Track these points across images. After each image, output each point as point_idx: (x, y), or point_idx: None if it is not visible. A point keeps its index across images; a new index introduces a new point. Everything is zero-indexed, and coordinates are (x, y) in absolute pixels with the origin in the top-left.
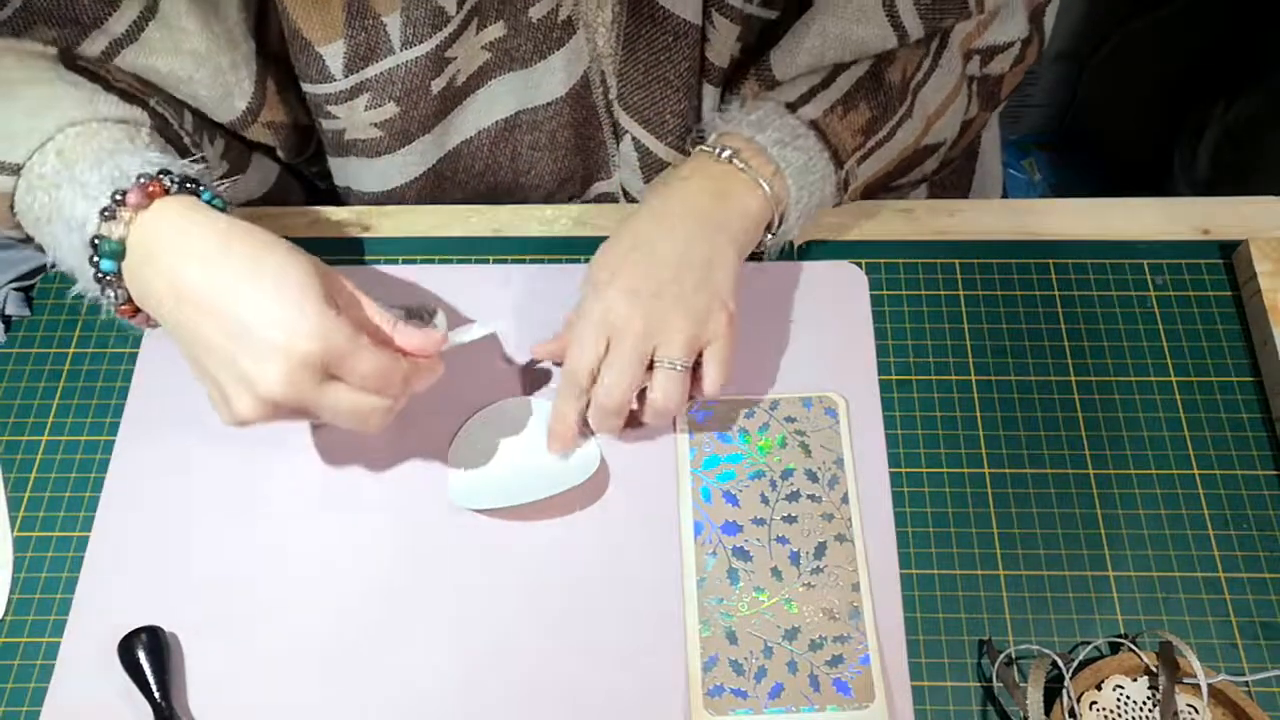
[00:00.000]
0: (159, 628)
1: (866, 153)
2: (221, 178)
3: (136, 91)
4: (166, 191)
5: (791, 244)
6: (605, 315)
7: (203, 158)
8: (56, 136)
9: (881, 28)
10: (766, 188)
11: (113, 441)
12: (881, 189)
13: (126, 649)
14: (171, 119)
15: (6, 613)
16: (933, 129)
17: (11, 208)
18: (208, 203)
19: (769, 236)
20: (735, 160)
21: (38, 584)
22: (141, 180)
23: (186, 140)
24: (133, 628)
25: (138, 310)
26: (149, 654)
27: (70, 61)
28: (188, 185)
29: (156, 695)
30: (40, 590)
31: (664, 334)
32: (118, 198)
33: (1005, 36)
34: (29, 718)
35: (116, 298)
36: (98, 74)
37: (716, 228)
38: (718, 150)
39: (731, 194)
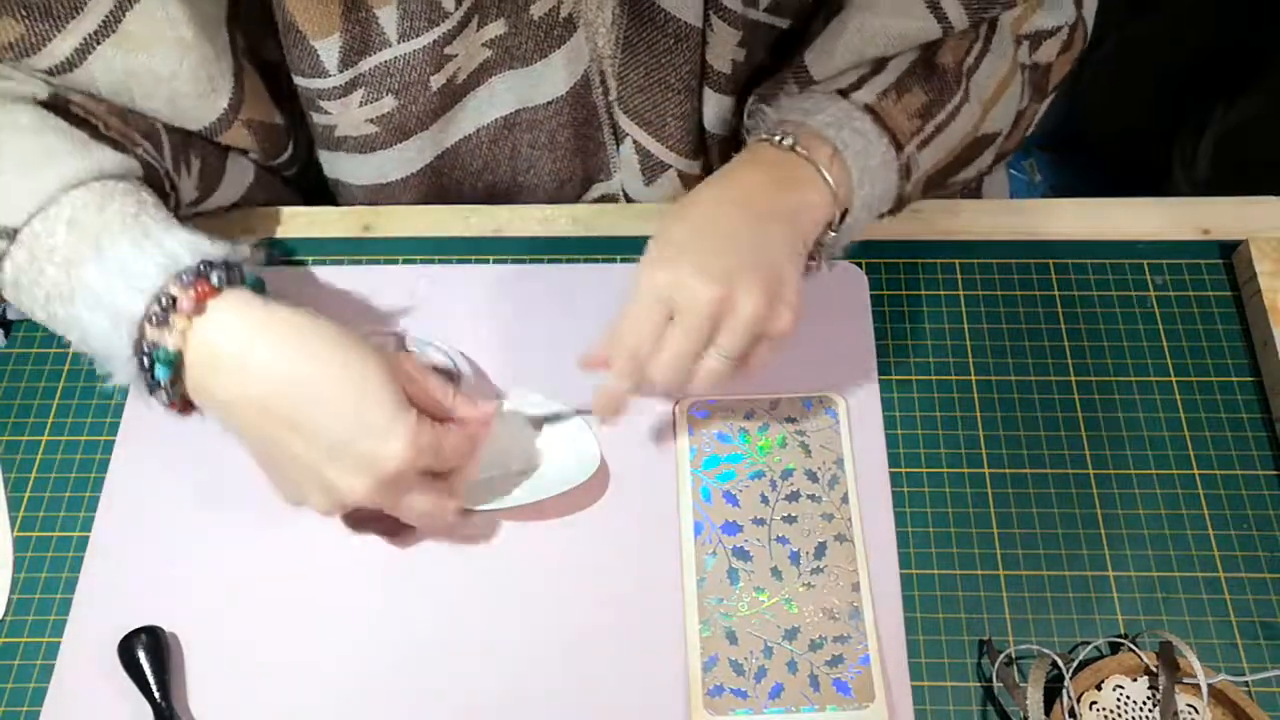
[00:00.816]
0: (159, 628)
1: (926, 138)
2: (195, 202)
3: (123, 139)
4: (216, 290)
5: None
6: (672, 289)
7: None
8: (62, 200)
9: (923, 19)
10: (828, 177)
11: (113, 441)
12: (942, 184)
13: (126, 649)
14: (155, 161)
15: (6, 613)
16: (990, 115)
17: None
18: (252, 287)
19: (830, 234)
20: (797, 148)
21: (38, 584)
22: (184, 278)
23: (167, 185)
24: (133, 628)
25: (187, 406)
26: (149, 654)
27: (55, 104)
28: (231, 270)
29: (156, 695)
30: (40, 590)
31: (730, 320)
32: (165, 302)
33: (1053, 21)
34: (29, 718)
35: (168, 397)
36: (84, 120)
37: (786, 222)
38: (777, 137)
39: (795, 184)
